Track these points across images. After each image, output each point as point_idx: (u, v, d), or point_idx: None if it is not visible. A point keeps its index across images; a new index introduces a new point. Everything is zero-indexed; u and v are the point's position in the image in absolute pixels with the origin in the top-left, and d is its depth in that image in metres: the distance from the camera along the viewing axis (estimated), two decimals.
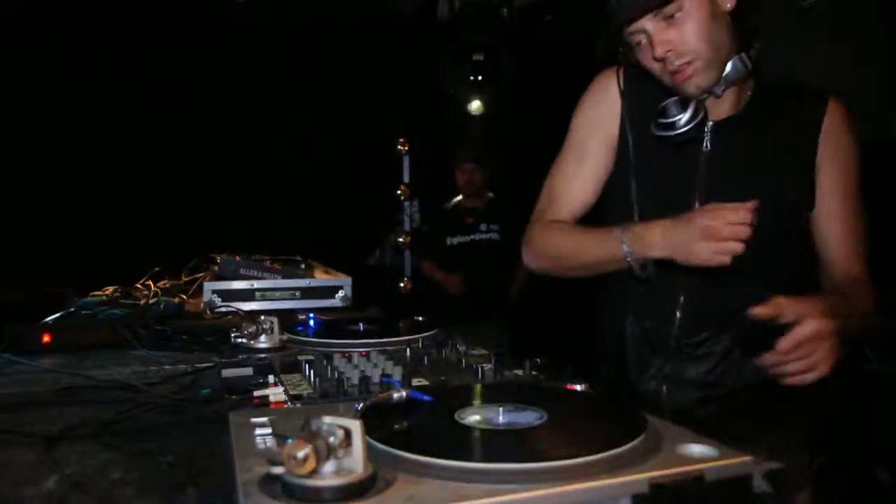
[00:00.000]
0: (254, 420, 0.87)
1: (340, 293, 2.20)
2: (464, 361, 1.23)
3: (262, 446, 0.80)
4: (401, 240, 4.38)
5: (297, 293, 2.19)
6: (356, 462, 0.65)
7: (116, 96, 3.44)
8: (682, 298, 1.44)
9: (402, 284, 4.30)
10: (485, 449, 0.78)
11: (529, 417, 0.85)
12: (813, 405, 1.42)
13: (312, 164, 4.45)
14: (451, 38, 5.05)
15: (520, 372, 1.19)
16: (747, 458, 0.73)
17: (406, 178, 4.37)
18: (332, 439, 0.65)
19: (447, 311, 2.29)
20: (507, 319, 4.16)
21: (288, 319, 1.70)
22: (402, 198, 4.39)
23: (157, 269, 2.49)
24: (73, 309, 1.95)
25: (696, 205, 1.39)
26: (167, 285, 2.40)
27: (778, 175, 1.40)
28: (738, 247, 1.17)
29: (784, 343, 1.11)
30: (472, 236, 4.29)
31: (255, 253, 2.42)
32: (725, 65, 1.34)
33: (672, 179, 1.44)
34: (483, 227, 4.28)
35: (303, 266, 2.40)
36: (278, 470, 0.66)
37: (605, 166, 1.55)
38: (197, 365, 1.48)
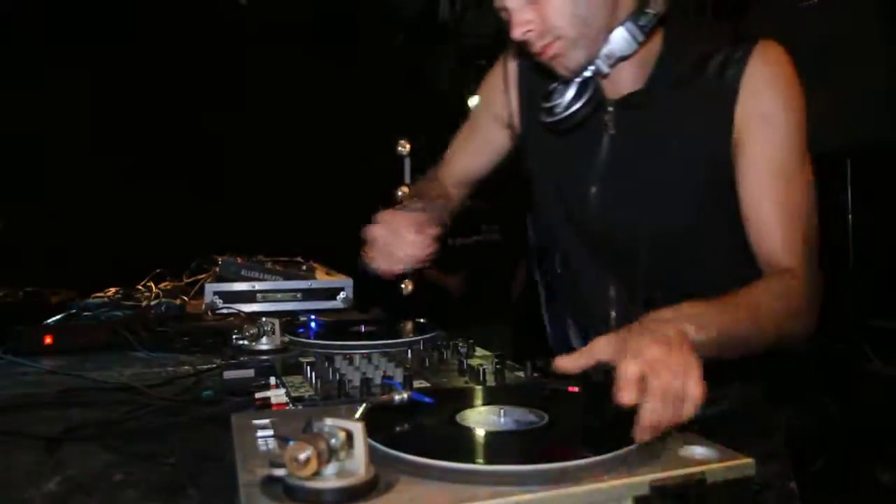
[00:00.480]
0: (255, 422, 0.88)
1: (342, 295, 2.20)
2: (465, 363, 1.23)
3: (263, 448, 0.80)
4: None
5: (299, 295, 2.19)
6: (358, 464, 0.65)
7: (118, 96, 3.45)
8: (612, 292, 1.31)
9: (403, 286, 4.30)
10: (486, 451, 0.78)
11: (531, 419, 0.85)
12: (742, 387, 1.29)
13: (314, 165, 4.45)
14: (453, 39, 5.05)
15: (521, 374, 1.19)
16: (749, 460, 0.73)
17: (407, 179, 4.36)
18: (333, 441, 0.65)
19: (448, 313, 2.29)
20: (508, 321, 4.17)
21: (289, 321, 1.70)
22: (404, 199, 4.38)
23: (158, 270, 2.50)
24: (74, 310, 1.96)
25: (593, 190, 1.26)
26: (168, 287, 2.40)
27: (690, 154, 1.18)
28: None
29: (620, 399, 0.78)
30: (473, 238, 4.30)
31: (256, 254, 2.42)
32: (602, 39, 1.16)
33: (570, 166, 1.30)
34: (484, 228, 4.28)
35: (304, 267, 2.40)
36: (280, 472, 0.66)
37: (497, 145, 1.52)
38: (198, 367, 1.48)
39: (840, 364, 2.50)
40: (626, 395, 0.75)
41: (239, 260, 2.24)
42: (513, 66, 1.41)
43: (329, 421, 0.66)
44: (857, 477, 2.37)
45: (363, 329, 1.65)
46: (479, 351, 1.38)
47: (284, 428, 0.84)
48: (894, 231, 2.42)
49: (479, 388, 1.09)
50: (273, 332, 1.42)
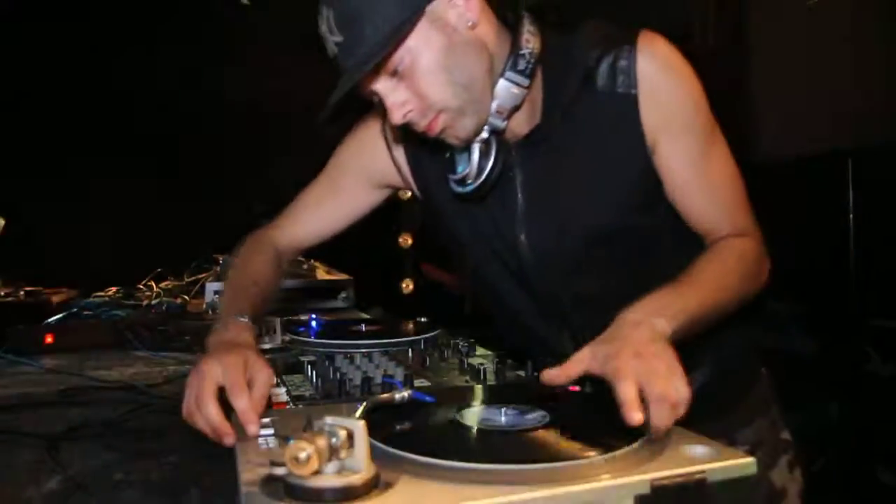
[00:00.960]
0: None
1: (343, 294, 2.20)
2: (466, 362, 1.23)
3: (264, 447, 0.80)
4: (401, 239, 4.38)
5: (300, 294, 2.19)
6: (358, 463, 0.65)
7: (119, 95, 3.45)
8: (564, 334, 1.24)
9: (403, 285, 4.30)
10: (487, 450, 0.78)
11: (532, 418, 0.85)
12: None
13: (315, 164, 4.45)
14: None
15: (522, 373, 1.19)
16: (750, 459, 0.73)
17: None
18: (334, 440, 0.65)
19: (449, 312, 2.29)
20: None
21: (290, 320, 1.70)
22: (405, 198, 4.38)
23: (159, 269, 2.50)
24: (75, 310, 1.96)
25: (521, 238, 1.18)
26: (169, 286, 2.40)
27: (606, 173, 1.13)
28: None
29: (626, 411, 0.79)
30: None
31: None
32: (488, 97, 1.07)
33: (495, 225, 1.21)
34: None
35: (305, 266, 2.40)
36: (280, 471, 0.66)
37: (365, 206, 1.39)
38: None
39: (841, 364, 2.50)
40: (636, 416, 0.78)
41: None
42: (391, 127, 1.23)
43: (330, 420, 0.66)
44: (859, 477, 2.37)
45: (364, 328, 1.65)
46: (480, 350, 1.39)
47: (285, 427, 0.84)
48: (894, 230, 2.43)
49: (479, 386, 1.09)
50: (274, 331, 1.42)
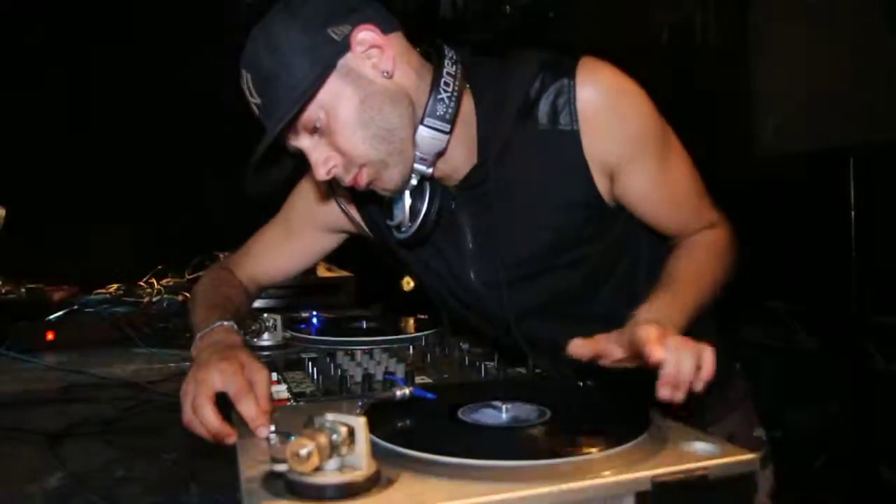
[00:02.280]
0: None
1: (343, 291, 2.20)
2: (467, 359, 1.23)
3: (265, 444, 0.80)
4: (404, 282, 4.37)
5: (301, 290, 2.19)
6: (359, 460, 0.65)
7: (120, 94, 3.45)
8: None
9: (404, 282, 4.30)
10: (488, 446, 0.78)
11: (532, 415, 0.84)
12: None
13: None
14: (454, 35, 5.05)
15: (523, 370, 1.19)
16: (752, 456, 0.73)
17: None
18: (335, 437, 0.65)
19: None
20: None
21: (291, 317, 1.70)
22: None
23: (160, 266, 2.50)
24: (76, 307, 1.96)
25: (472, 276, 1.19)
26: (170, 283, 2.41)
27: (552, 203, 1.10)
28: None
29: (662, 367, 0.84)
30: None
31: None
32: (411, 145, 1.04)
33: (446, 265, 1.21)
34: None
35: None
36: (281, 467, 0.66)
37: (318, 249, 1.41)
38: None
39: (843, 362, 2.50)
40: (657, 351, 0.81)
41: None
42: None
43: (330, 416, 0.66)
44: (861, 474, 2.37)
45: (365, 325, 1.65)
46: (481, 347, 1.38)
47: (286, 424, 0.84)
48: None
49: (480, 383, 1.09)
50: (275, 328, 1.42)
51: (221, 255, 2.27)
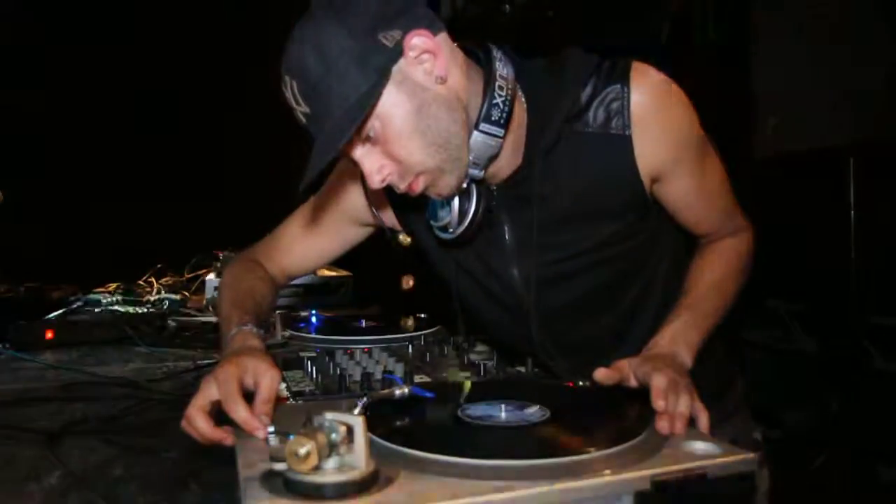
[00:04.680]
0: None
1: (343, 290, 2.20)
2: (466, 358, 1.23)
3: (263, 443, 0.80)
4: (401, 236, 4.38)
5: (300, 290, 2.19)
6: (358, 458, 0.65)
7: (118, 94, 3.45)
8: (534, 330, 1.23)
9: (403, 281, 4.30)
10: (487, 445, 0.78)
11: (531, 414, 0.84)
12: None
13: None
14: (454, 35, 5.04)
15: (522, 368, 1.19)
16: (751, 456, 0.73)
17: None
18: (334, 436, 0.65)
19: (449, 308, 2.29)
20: None
21: (290, 316, 1.70)
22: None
23: (159, 265, 2.50)
24: (75, 305, 1.96)
25: (514, 272, 1.18)
26: (170, 282, 2.41)
27: (596, 207, 1.11)
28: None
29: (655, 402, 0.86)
30: None
31: None
32: (467, 152, 1.02)
33: (485, 265, 1.21)
34: None
35: None
36: (280, 466, 0.66)
37: (348, 242, 1.39)
38: (199, 361, 1.48)
39: (842, 361, 2.50)
40: (661, 402, 0.85)
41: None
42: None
43: (329, 415, 0.66)
44: (859, 474, 2.37)
45: (364, 324, 1.65)
46: (480, 346, 1.38)
47: (285, 422, 0.84)
48: None
49: (479, 382, 1.09)
50: (274, 327, 1.42)
51: (220, 254, 2.27)
